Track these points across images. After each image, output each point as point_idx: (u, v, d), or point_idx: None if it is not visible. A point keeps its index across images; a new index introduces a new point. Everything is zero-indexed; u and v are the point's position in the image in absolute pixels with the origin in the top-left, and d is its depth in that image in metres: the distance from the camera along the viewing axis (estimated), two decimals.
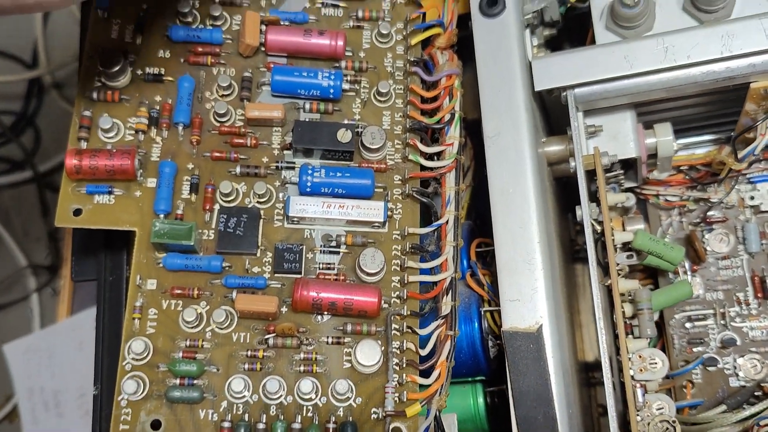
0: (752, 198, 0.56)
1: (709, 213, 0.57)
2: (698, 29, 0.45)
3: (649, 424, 0.44)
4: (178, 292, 0.44)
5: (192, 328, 0.44)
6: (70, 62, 1.05)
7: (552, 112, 0.53)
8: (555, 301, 0.44)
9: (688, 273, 0.56)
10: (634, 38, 0.47)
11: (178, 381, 0.43)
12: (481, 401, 0.52)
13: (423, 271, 0.46)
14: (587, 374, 0.57)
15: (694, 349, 0.56)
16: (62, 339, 0.97)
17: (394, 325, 0.44)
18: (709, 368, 0.55)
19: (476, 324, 0.49)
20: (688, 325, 0.56)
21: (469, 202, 0.61)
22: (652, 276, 0.58)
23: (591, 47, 0.47)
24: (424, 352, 0.44)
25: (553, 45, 0.61)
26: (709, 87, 0.46)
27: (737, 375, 0.54)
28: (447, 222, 0.46)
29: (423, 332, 0.44)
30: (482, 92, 0.47)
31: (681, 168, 0.57)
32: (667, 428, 0.43)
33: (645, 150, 0.51)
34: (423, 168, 0.48)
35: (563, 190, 0.56)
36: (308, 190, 0.46)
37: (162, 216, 0.45)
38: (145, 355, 0.43)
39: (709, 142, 0.58)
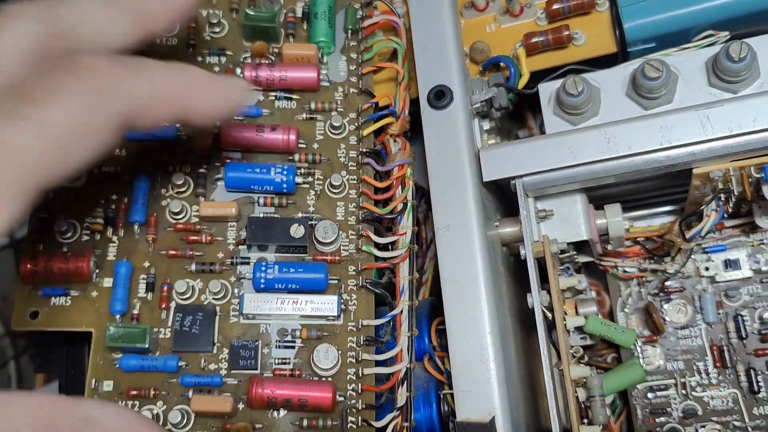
0: (707, 269, 0.57)
1: (667, 283, 0.58)
2: (638, 120, 0.46)
3: None
4: (135, 393, 0.45)
5: None
6: None
7: (507, 192, 0.54)
8: (510, 391, 0.45)
9: (640, 356, 0.56)
10: (579, 127, 0.48)
11: None
12: None
13: (379, 363, 0.46)
14: None
15: (657, 419, 0.56)
16: None
17: (350, 418, 0.45)
18: None
19: (435, 407, 0.50)
20: (650, 395, 0.57)
21: (433, 273, 0.61)
22: (615, 346, 0.59)
23: (537, 138, 0.48)
24: None
25: (512, 114, 0.62)
26: (652, 173, 0.47)
27: None
28: (401, 312, 0.47)
29: (379, 425, 0.45)
30: (432, 185, 0.48)
31: (638, 240, 0.59)
32: None
33: (596, 231, 0.52)
34: (377, 258, 0.48)
35: (522, 261, 0.56)
36: (262, 286, 0.46)
37: (118, 317, 0.46)
38: None
39: (665, 213, 0.59)
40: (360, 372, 0.46)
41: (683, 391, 0.56)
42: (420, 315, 0.52)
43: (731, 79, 0.47)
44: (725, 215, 0.51)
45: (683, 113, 0.45)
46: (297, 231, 0.47)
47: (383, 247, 0.49)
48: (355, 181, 0.50)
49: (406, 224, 0.49)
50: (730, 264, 0.56)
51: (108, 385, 0.45)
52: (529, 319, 0.58)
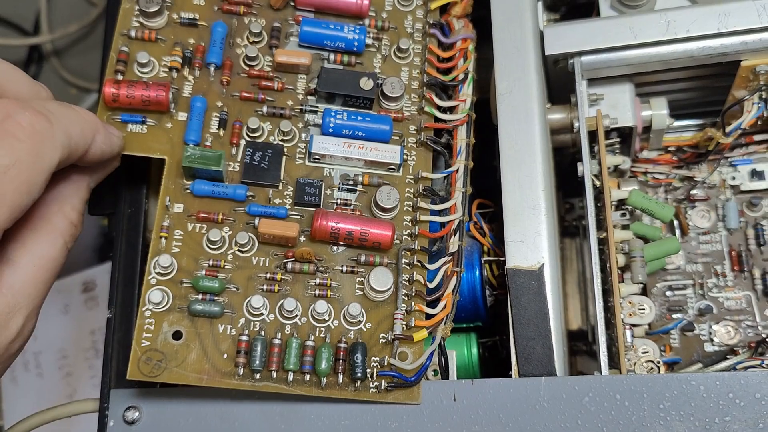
0: (733, 178, 0.61)
1: (693, 191, 0.61)
2: (698, 7, 0.49)
3: (635, 363, 0.47)
4: (204, 215, 0.47)
5: (215, 249, 0.46)
6: (72, 31, 1.07)
7: (554, 85, 0.57)
8: (555, 246, 0.48)
9: (678, 231, 0.60)
10: (639, 13, 0.51)
11: (200, 296, 0.45)
12: (475, 351, 0.55)
13: (433, 213, 0.49)
14: (570, 342, 0.60)
15: (673, 316, 0.60)
16: (47, 301, 0.97)
17: (404, 260, 0.47)
18: (687, 333, 0.59)
19: (477, 271, 0.53)
20: (668, 293, 0.60)
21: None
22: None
23: (599, 18, 0.51)
24: (431, 285, 0.47)
25: None
26: (704, 62, 0.51)
27: (712, 340, 0.58)
28: (457, 170, 0.50)
29: (432, 267, 0.48)
30: (496, 54, 0.51)
31: (669, 148, 0.62)
32: (652, 368, 0.47)
33: (641, 121, 0.55)
34: (437, 120, 0.51)
35: (556, 171, 0.59)
36: (330, 130, 0.49)
37: (192, 146, 0.48)
38: (170, 270, 0.45)
39: (696, 126, 0.62)
40: (417, 218, 0.48)
41: (700, 291, 0.60)
42: None
43: None
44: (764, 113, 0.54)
45: (741, 2, 0.48)
46: (366, 83, 0.50)
47: (443, 111, 0.51)
48: (420, 50, 0.53)
49: (467, 92, 0.52)
50: (756, 174, 0.60)
51: (178, 207, 0.47)
52: (559, 224, 0.61)
